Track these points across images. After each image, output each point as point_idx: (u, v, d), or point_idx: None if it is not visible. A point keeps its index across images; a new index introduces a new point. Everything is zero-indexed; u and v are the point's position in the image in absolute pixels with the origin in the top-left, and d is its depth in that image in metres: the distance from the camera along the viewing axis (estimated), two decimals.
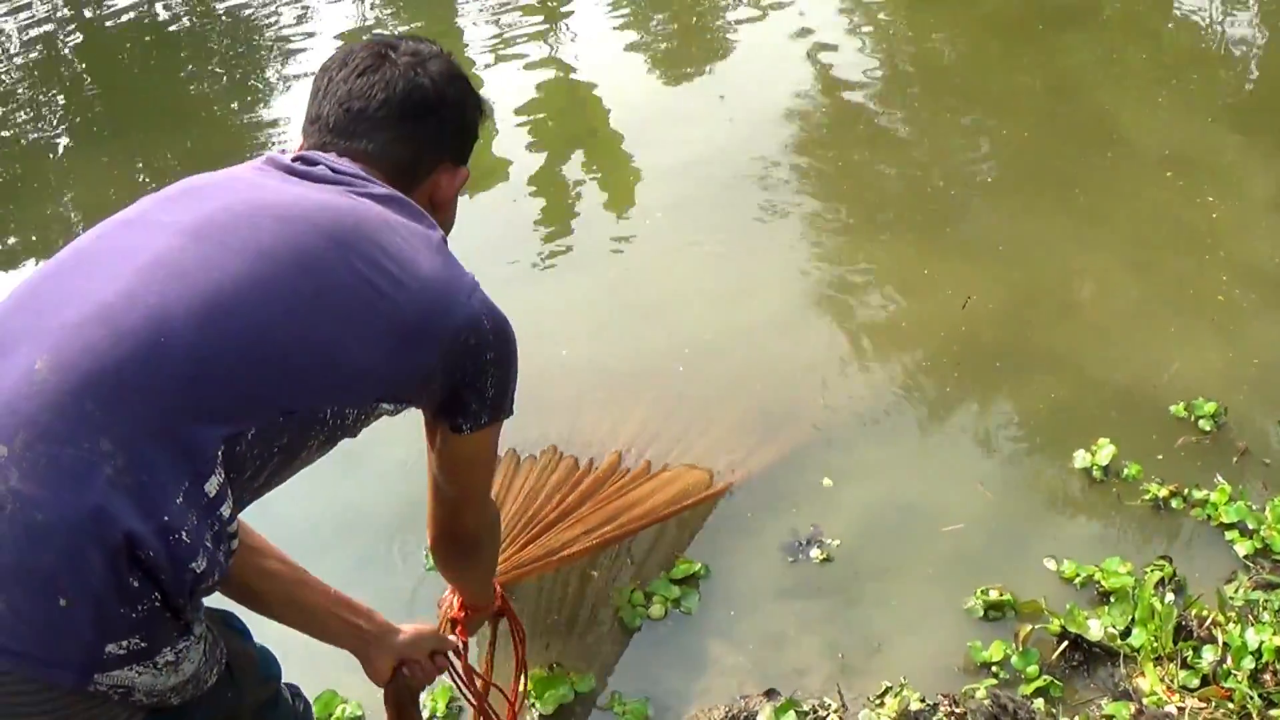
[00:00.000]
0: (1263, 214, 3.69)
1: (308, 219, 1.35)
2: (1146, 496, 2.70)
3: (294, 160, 1.48)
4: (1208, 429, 2.87)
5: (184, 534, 1.17)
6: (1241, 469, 2.77)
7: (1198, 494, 2.69)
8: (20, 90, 5.36)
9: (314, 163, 1.47)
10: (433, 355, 1.42)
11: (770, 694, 2.33)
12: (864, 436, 2.97)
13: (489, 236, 3.73)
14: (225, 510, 1.24)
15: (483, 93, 1.69)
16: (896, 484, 2.83)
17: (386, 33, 1.52)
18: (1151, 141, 4.08)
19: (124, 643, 1.17)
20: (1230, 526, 2.61)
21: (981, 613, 2.46)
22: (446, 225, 1.62)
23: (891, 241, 3.77)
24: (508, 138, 4.48)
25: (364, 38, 1.62)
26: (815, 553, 2.63)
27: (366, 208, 1.41)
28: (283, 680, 1.66)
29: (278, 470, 1.35)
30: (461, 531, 1.72)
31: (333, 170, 1.46)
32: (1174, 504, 2.69)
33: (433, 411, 1.54)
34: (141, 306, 1.21)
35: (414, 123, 1.54)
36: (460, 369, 1.47)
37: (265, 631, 1.64)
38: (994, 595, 2.47)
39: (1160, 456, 2.83)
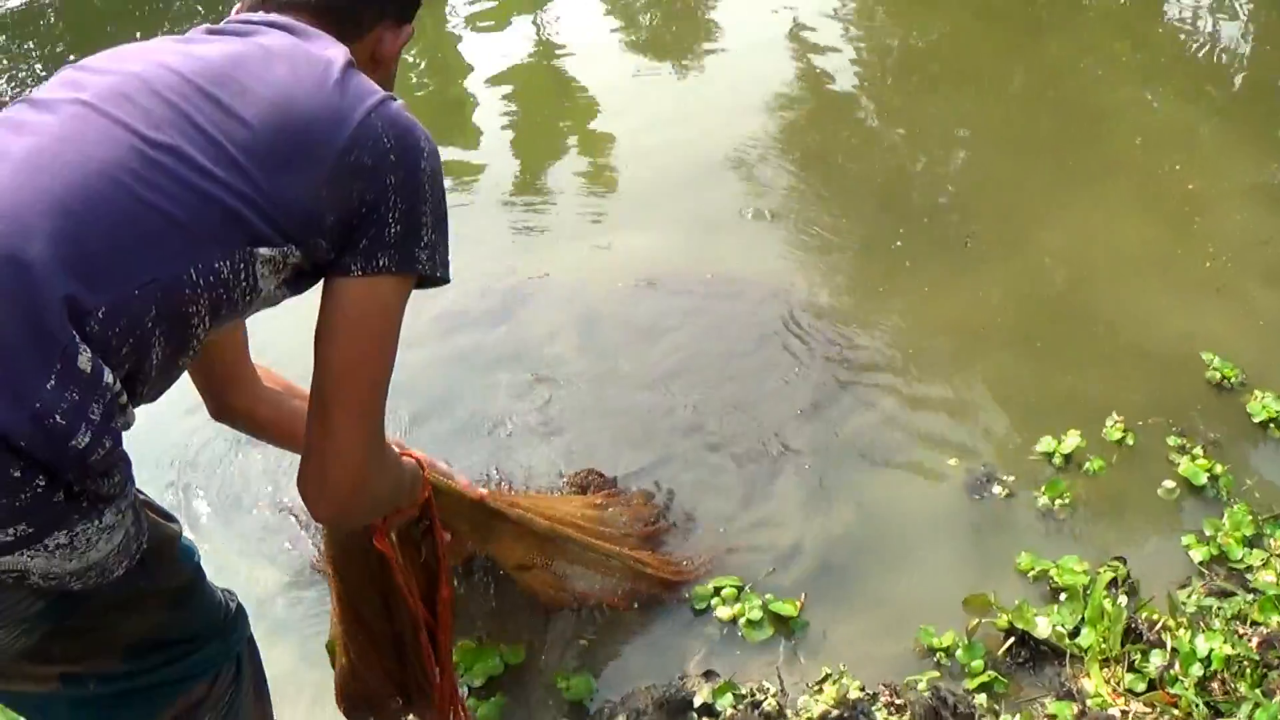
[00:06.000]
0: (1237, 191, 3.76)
1: (170, 80, 1.29)
2: (1130, 441, 2.81)
3: (225, 23, 1.43)
4: (1216, 381, 2.95)
5: (58, 416, 1.15)
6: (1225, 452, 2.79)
7: (1175, 441, 2.79)
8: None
9: (241, 23, 1.42)
10: (313, 182, 1.29)
11: (709, 675, 2.28)
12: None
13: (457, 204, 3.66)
14: (109, 380, 1.19)
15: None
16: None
17: None
18: (1133, 123, 4.14)
19: (10, 530, 1.16)
20: (1191, 485, 2.67)
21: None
22: (387, 83, 1.55)
23: (880, 225, 3.70)
24: (486, 107, 4.43)
25: None
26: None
27: (242, 48, 1.35)
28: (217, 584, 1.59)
29: (177, 349, 1.28)
30: (334, 471, 1.35)
31: (247, 23, 1.41)
32: (1171, 443, 2.79)
33: (328, 262, 1.35)
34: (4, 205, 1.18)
35: None
36: (353, 197, 1.31)
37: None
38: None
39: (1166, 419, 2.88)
